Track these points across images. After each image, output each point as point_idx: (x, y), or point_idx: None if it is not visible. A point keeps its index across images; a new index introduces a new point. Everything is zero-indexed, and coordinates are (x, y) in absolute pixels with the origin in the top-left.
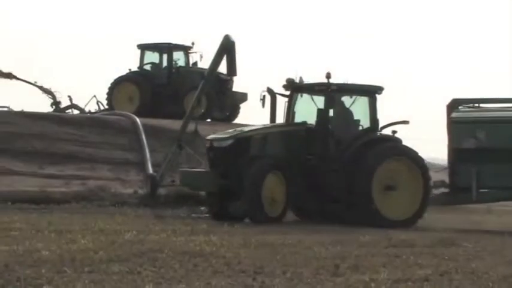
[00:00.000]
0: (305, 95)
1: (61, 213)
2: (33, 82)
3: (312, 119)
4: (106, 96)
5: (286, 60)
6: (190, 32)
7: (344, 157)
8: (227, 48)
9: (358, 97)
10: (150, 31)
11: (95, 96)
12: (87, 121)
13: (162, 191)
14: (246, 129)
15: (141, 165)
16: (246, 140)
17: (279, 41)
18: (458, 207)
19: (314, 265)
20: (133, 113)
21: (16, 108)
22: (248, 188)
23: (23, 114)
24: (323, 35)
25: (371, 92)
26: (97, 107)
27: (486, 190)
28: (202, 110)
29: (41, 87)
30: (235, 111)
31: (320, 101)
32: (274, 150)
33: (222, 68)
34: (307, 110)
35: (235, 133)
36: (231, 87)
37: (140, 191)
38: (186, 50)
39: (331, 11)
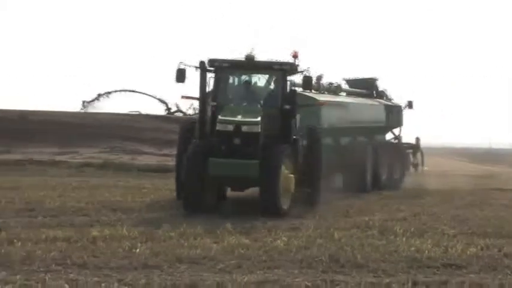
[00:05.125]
0: (249, 74)
1: (172, 178)
2: (153, 95)
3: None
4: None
5: None
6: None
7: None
8: None
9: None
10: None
11: (192, 103)
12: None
13: None
14: (248, 110)
15: None
16: (262, 122)
17: None
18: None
19: (333, 211)
20: None
21: (143, 112)
22: (268, 179)
23: (148, 116)
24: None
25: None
26: (194, 111)
27: None
28: None
29: (159, 99)
30: None
31: (273, 81)
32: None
33: None
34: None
35: (257, 116)
36: None
37: None
38: None
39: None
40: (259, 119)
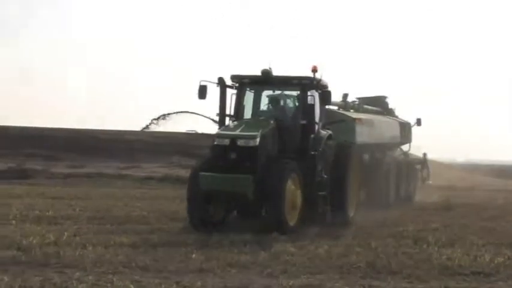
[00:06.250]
0: (269, 89)
1: None
2: (207, 116)
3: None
4: None
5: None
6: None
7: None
8: None
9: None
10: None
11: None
12: None
13: None
14: (253, 124)
15: None
16: (267, 137)
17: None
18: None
19: (371, 222)
20: None
21: (199, 131)
22: (273, 195)
23: (203, 135)
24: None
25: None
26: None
27: None
28: None
29: (212, 119)
30: None
31: (294, 96)
32: (283, 148)
33: None
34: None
35: (258, 130)
36: None
37: None
38: None
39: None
40: (257, 133)
